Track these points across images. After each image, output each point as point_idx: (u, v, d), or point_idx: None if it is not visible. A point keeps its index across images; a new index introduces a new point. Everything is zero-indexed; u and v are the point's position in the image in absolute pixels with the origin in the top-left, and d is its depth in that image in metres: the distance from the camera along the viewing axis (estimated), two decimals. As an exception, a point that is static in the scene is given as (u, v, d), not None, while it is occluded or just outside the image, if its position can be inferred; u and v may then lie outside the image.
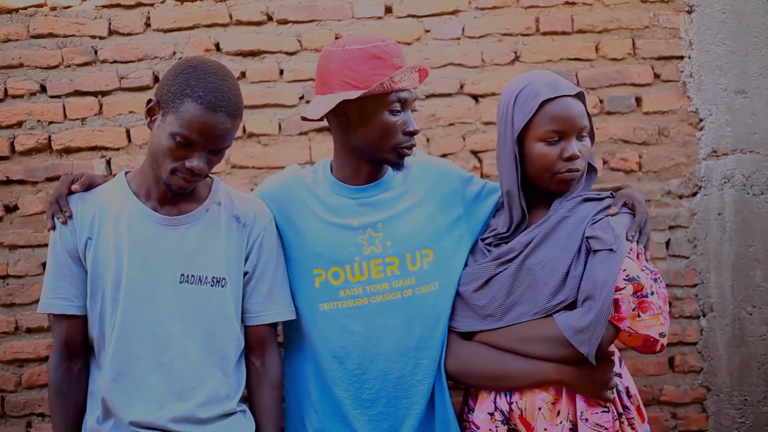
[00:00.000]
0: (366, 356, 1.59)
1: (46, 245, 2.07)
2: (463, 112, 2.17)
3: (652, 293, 1.44)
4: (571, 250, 1.50)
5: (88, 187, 1.58)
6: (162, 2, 2.15)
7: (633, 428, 1.50)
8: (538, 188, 1.59)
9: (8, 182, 2.12)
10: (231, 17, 2.15)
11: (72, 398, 1.56)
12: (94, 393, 1.55)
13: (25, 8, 2.14)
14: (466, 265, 1.65)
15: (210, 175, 1.61)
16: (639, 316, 1.42)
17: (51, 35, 2.13)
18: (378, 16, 2.17)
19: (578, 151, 1.51)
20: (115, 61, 2.14)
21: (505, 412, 1.52)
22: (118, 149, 2.13)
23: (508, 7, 2.18)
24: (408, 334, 1.60)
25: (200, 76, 1.42)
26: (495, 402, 1.54)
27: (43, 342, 2.10)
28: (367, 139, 1.57)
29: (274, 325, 1.66)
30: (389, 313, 1.59)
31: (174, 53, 2.14)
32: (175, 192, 1.49)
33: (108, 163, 2.13)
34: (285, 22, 2.16)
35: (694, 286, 2.18)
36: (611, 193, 1.60)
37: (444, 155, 2.11)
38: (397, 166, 1.61)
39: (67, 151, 2.13)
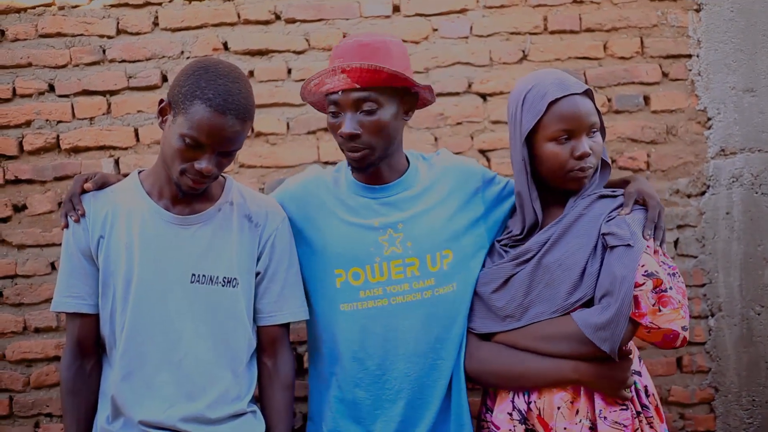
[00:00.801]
0: (386, 357, 1.59)
1: (55, 245, 2.09)
2: (471, 111, 2.17)
3: (671, 288, 1.43)
4: (587, 247, 1.49)
5: (102, 185, 1.58)
6: (170, 1, 2.15)
7: (652, 427, 1.49)
8: (552, 188, 1.59)
9: (17, 182, 2.13)
10: (239, 16, 2.15)
11: (84, 397, 1.56)
12: (105, 392, 1.55)
13: (34, 8, 2.14)
14: (483, 265, 1.65)
15: (223, 174, 1.62)
16: (660, 310, 1.42)
17: (59, 34, 2.14)
18: (386, 15, 2.17)
19: (589, 149, 1.51)
20: (123, 61, 2.14)
21: (523, 412, 1.51)
22: (126, 148, 2.13)
23: (516, 5, 2.18)
24: (426, 335, 1.59)
25: (211, 78, 1.41)
26: (513, 402, 1.54)
27: (52, 342, 2.10)
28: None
29: (286, 326, 1.65)
30: (409, 313, 1.59)
31: (182, 52, 2.14)
32: (186, 192, 1.49)
33: (116, 162, 2.13)
34: (293, 21, 2.16)
35: (703, 285, 2.18)
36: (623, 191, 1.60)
37: (452, 154, 2.11)
38: (353, 168, 1.61)
39: (76, 150, 2.13)
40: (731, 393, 2.18)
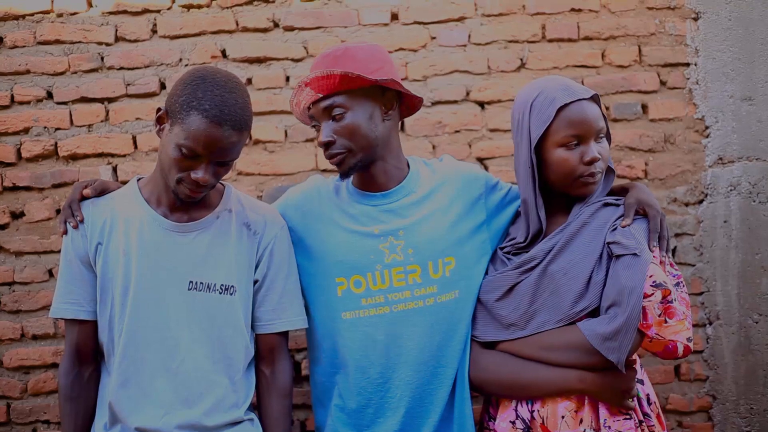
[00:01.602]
0: (388, 365, 1.59)
1: (53, 252, 2.09)
2: (469, 119, 2.17)
3: (674, 299, 1.43)
4: (592, 256, 1.49)
5: (101, 192, 1.59)
6: (168, 9, 2.15)
7: None
8: (557, 195, 1.58)
9: (15, 188, 2.13)
10: (237, 24, 2.16)
11: (81, 404, 1.55)
12: (103, 399, 1.54)
13: (32, 15, 2.14)
14: (486, 272, 1.65)
15: (222, 182, 1.62)
16: (666, 321, 1.41)
17: (57, 42, 2.14)
18: (384, 23, 2.17)
19: (597, 154, 1.50)
20: (121, 68, 2.14)
21: (527, 420, 1.51)
22: (124, 156, 2.14)
23: (515, 14, 2.18)
24: (429, 342, 1.59)
25: (208, 88, 1.41)
26: (516, 410, 1.53)
27: (49, 349, 2.10)
28: None
29: (284, 334, 1.65)
30: (411, 321, 1.58)
31: (180, 60, 2.14)
32: (183, 200, 1.50)
33: (114, 169, 2.13)
34: (291, 28, 2.16)
35: (700, 294, 2.18)
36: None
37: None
38: (340, 174, 1.62)
39: (74, 157, 2.13)
40: (729, 401, 2.18)
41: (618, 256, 1.44)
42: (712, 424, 2.18)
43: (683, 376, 2.17)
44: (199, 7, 2.15)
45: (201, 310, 1.52)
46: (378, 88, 1.57)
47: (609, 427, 1.45)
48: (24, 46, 2.14)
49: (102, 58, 2.15)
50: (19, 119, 2.13)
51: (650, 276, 1.41)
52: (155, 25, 2.15)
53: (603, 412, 1.47)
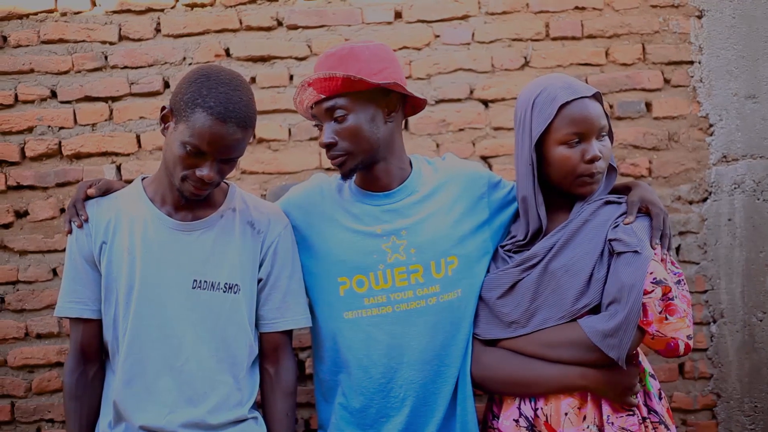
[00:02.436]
0: (391, 364, 1.59)
1: (57, 251, 2.10)
2: (473, 117, 2.17)
3: (675, 296, 1.43)
4: (594, 253, 1.49)
5: (106, 192, 1.59)
6: (172, 8, 2.16)
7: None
8: (557, 192, 1.58)
9: (19, 188, 2.13)
10: (241, 23, 2.16)
11: (86, 402, 1.56)
12: (108, 397, 1.55)
13: (36, 14, 2.15)
14: (488, 271, 1.64)
15: (226, 180, 1.62)
16: (666, 318, 1.42)
17: (61, 41, 2.14)
18: (388, 22, 2.17)
19: (599, 152, 1.50)
20: (125, 67, 2.15)
21: (530, 418, 1.51)
22: (128, 155, 2.14)
23: (518, 12, 2.18)
24: (432, 342, 1.59)
25: (212, 86, 1.41)
26: (520, 408, 1.53)
27: (54, 348, 2.10)
28: None
29: (288, 333, 1.65)
30: (413, 321, 1.58)
31: (184, 59, 2.15)
32: (188, 198, 1.50)
33: (118, 168, 2.14)
34: (295, 27, 2.16)
35: (705, 292, 2.18)
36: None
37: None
38: (341, 175, 1.62)
39: (78, 156, 2.13)
40: (733, 399, 2.18)
41: (619, 254, 1.44)
42: (716, 422, 2.18)
43: (687, 375, 2.17)
44: (203, 5, 2.16)
45: (205, 308, 1.53)
46: (381, 90, 1.56)
47: (612, 423, 1.45)
48: (28, 46, 2.14)
49: (106, 57, 2.15)
50: (23, 118, 2.13)
51: (650, 273, 1.41)
52: (159, 24, 2.16)
53: (606, 408, 1.47)
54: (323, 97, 1.55)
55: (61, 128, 2.14)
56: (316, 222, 1.66)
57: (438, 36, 2.18)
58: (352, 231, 1.62)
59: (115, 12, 2.15)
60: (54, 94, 2.15)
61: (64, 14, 2.15)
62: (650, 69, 2.18)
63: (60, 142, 2.13)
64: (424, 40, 2.17)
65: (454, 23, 2.18)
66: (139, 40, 2.15)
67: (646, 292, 1.40)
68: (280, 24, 2.17)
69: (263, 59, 2.16)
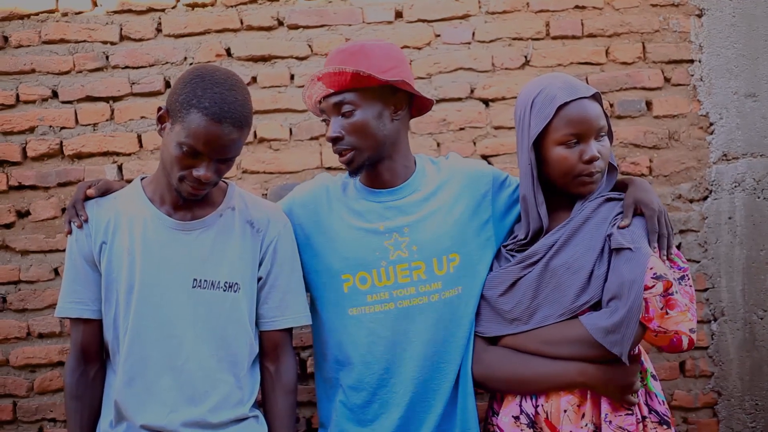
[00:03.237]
0: (393, 360, 1.60)
1: (59, 251, 2.10)
2: (473, 116, 2.17)
3: (677, 291, 1.44)
4: (594, 250, 1.49)
5: (105, 192, 1.59)
6: (173, 8, 2.16)
7: None
8: (559, 192, 1.59)
9: (20, 187, 2.14)
10: (242, 23, 2.16)
11: (87, 402, 1.57)
12: (109, 397, 1.55)
13: (37, 14, 2.15)
14: (490, 269, 1.65)
15: (225, 180, 1.63)
16: (667, 313, 1.42)
17: (62, 41, 2.15)
18: (388, 21, 2.17)
19: (597, 152, 1.51)
20: (126, 67, 2.15)
21: (531, 416, 1.52)
22: (129, 154, 2.14)
23: (519, 11, 2.18)
24: (433, 338, 1.60)
25: (207, 86, 1.42)
26: (520, 405, 1.54)
27: (55, 347, 2.11)
28: None
29: (288, 331, 1.66)
30: (416, 317, 1.59)
31: (185, 59, 2.15)
32: (186, 198, 1.51)
33: (119, 168, 2.14)
34: (296, 27, 2.17)
35: (705, 290, 2.18)
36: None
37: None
38: (348, 171, 1.62)
39: (79, 156, 2.14)
40: (734, 397, 2.18)
41: (618, 250, 1.45)
42: (717, 420, 2.18)
43: (688, 373, 2.18)
44: (204, 5, 2.16)
45: (205, 307, 1.53)
46: (389, 88, 1.57)
47: (610, 422, 1.45)
48: (29, 46, 2.15)
49: (107, 57, 2.15)
50: (25, 118, 2.13)
51: (651, 268, 1.41)
52: (160, 24, 2.16)
53: (605, 407, 1.47)
54: (332, 91, 1.56)
55: (62, 128, 2.14)
56: (319, 220, 1.67)
57: (438, 35, 2.18)
58: (355, 228, 1.63)
59: (116, 12, 2.15)
60: (55, 94, 2.15)
61: (65, 14, 2.15)
62: (650, 68, 2.18)
63: (61, 142, 2.13)
64: (425, 39, 2.17)
65: (455, 22, 2.18)
66: (140, 40, 2.15)
67: (646, 288, 1.40)
68: (280, 24, 2.17)
69: (264, 59, 2.16)
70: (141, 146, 2.14)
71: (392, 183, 1.65)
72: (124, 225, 1.53)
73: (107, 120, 2.14)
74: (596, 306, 1.49)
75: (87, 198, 1.57)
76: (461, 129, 2.17)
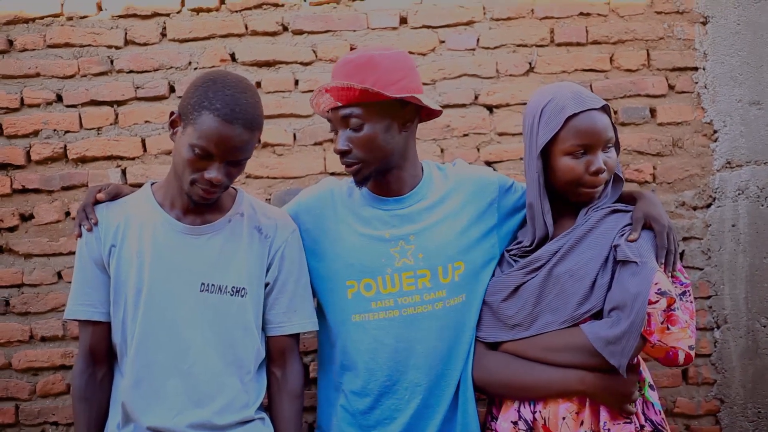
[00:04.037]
0: (397, 367, 1.60)
1: (62, 254, 2.10)
2: (477, 122, 2.17)
3: (677, 308, 1.45)
4: (598, 259, 1.50)
5: (115, 196, 1.61)
6: (178, 13, 2.16)
7: None
8: (565, 200, 1.59)
9: (24, 191, 2.14)
10: (246, 28, 2.16)
11: (95, 404, 1.57)
12: (116, 399, 1.56)
13: (42, 18, 2.15)
14: (492, 274, 1.65)
15: (234, 186, 1.63)
16: (668, 329, 1.43)
17: (67, 45, 2.14)
18: (393, 27, 2.17)
19: (603, 164, 1.51)
20: (131, 71, 2.15)
21: (529, 422, 1.52)
22: (133, 159, 2.14)
23: (523, 18, 2.18)
24: (438, 346, 1.60)
25: (218, 89, 1.43)
26: (519, 411, 1.54)
27: (58, 351, 2.10)
28: None
29: (295, 336, 1.66)
30: (420, 325, 1.59)
31: (189, 63, 2.15)
32: (197, 202, 1.51)
33: (123, 172, 2.14)
34: (300, 32, 2.17)
35: (708, 297, 2.18)
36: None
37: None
38: (355, 182, 1.62)
39: (83, 160, 2.14)
40: (737, 405, 2.18)
41: (624, 262, 1.45)
42: (719, 428, 2.18)
43: (691, 380, 2.17)
44: (209, 10, 2.16)
45: (213, 311, 1.54)
46: (398, 102, 1.55)
47: (608, 430, 1.46)
48: (34, 50, 2.14)
49: (111, 62, 2.15)
50: (29, 122, 2.13)
51: (656, 284, 1.42)
52: (164, 28, 2.16)
53: (603, 415, 1.48)
54: (340, 104, 1.54)
55: (66, 132, 2.14)
56: (325, 225, 1.67)
57: (443, 41, 2.18)
58: (361, 235, 1.63)
59: (121, 17, 2.15)
60: (60, 98, 2.15)
61: (70, 18, 2.15)
62: (655, 75, 2.19)
63: (65, 146, 2.13)
64: (429, 45, 2.18)
65: (459, 29, 2.18)
66: (145, 44, 2.16)
67: (650, 303, 1.40)
68: (285, 29, 2.17)
69: (268, 64, 2.16)
70: (145, 150, 2.14)
71: (399, 191, 1.65)
72: (134, 228, 1.54)
73: (111, 124, 2.14)
74: (597, 315, 1.50)
75: (97, 202, 1.58)
76: (465, 135, 2.17)
